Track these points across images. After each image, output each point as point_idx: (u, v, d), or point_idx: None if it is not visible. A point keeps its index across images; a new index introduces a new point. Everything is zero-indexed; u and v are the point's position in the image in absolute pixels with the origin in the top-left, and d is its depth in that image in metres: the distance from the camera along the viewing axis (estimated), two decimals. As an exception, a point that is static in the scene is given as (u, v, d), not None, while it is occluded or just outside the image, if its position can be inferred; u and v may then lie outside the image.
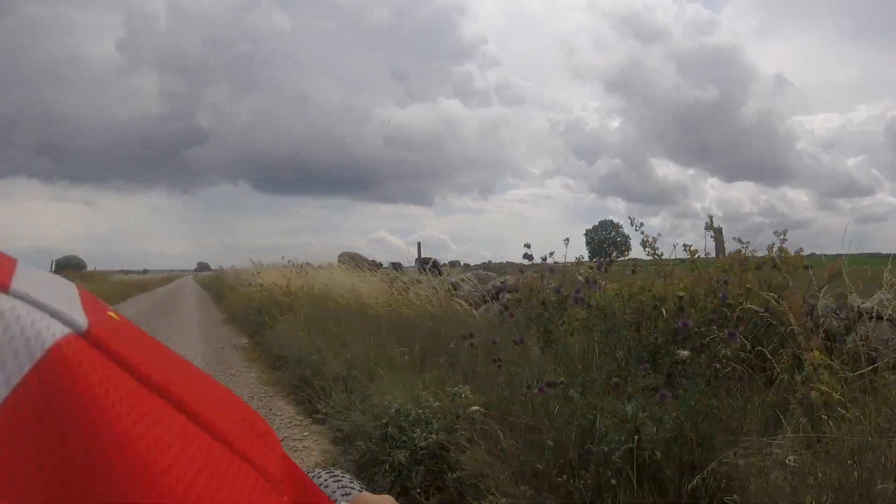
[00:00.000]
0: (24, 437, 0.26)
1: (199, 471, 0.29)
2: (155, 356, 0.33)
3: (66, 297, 0.31)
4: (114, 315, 0.34)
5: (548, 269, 3.60)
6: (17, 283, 0.28)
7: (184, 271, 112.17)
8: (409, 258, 11.66)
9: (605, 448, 2.48)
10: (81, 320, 0.29)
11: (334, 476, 0.88)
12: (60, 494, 0.26)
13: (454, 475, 3.01)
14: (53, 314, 0.28)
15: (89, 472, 0.26)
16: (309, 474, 0.80)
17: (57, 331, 0.28)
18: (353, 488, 0.77)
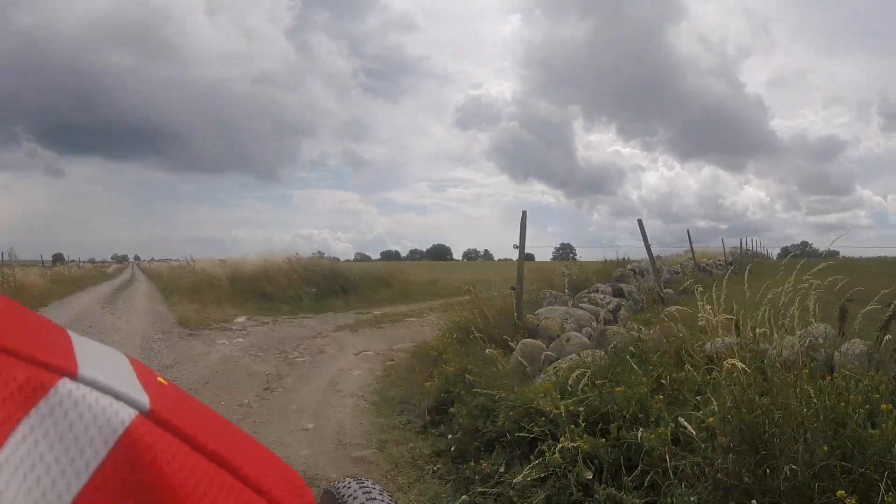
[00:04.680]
0: None
1: None
2: (203, 421, 0.34)
3: (123, 372, 0.33)
4: (162, 381, 0.35)
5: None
6: (82, 367, 0.29)
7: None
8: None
9: None
10: (143, 399, 0.30)
11: (364, 487, 0.88)
12: None
13: None
14: (119, 396, 0.29)
15: None
16: (339, 483, 0.94)
17: (125, 415, 0.29)
18: (382, 501, 0.76)
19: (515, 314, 6.98)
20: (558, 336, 6.43)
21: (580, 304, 8.84)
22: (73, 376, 0.29)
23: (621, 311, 9.84)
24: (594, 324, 7.02)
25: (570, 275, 12.48)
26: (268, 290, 13.77)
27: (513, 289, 7.32)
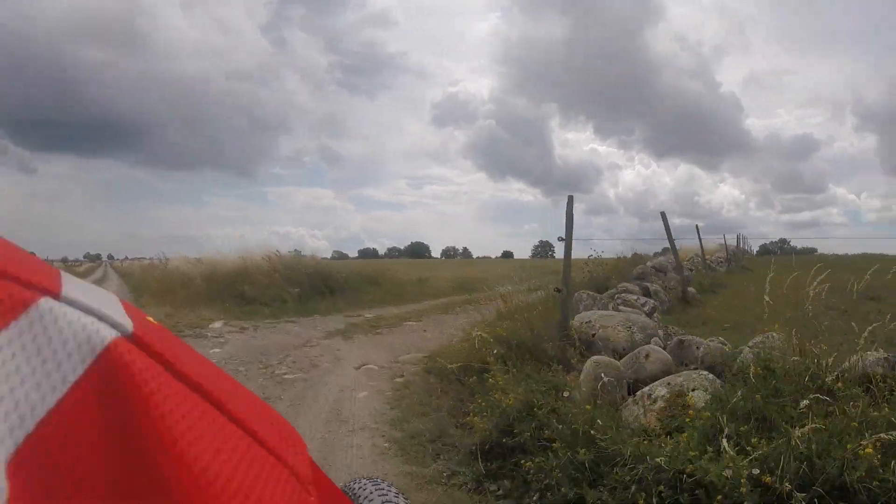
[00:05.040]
0: (83, 434, 0.27)
1: (238, 466, 0.32)
2: (189, 358, 0.34)
3: (109, 301, 0.33)
4: (151, 320, 0.36)
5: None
6: (66, 289, 0.30)
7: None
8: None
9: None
10: (127, 324, 0.31)
11: (379, 488, 0.86)
12: (117, 488, 0.28)
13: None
14: (102, 318, 0.30)
15: (142, 467, 0.28)
16: (353, 483, 0.91)
17: (106, 334, 0.29)
18: (397, 502, 0.73)
19: (562, 322, 5.62)
20: (625, 350, 5.09)
21: (620, 308, 7.54)
22: (56, 296, 0.29)
23: (655, 314, 8.64)
24: (660, 332, 5.68)
25: (591, 273, 11.24)
26: (247, 290, 12.23)
27: (558, 291, 5.96)
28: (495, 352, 5.01)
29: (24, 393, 0.26)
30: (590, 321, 5.73)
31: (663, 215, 11.13)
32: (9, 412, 0.26)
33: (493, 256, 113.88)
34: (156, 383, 0.30)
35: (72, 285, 0.31)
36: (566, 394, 3.97)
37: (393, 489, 0.85)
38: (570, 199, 6.06)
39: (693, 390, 3.93)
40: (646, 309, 8.40)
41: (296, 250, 16.87)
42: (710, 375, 4.10)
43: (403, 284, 17.90)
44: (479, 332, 5.69)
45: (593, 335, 5.44)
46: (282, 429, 0.38)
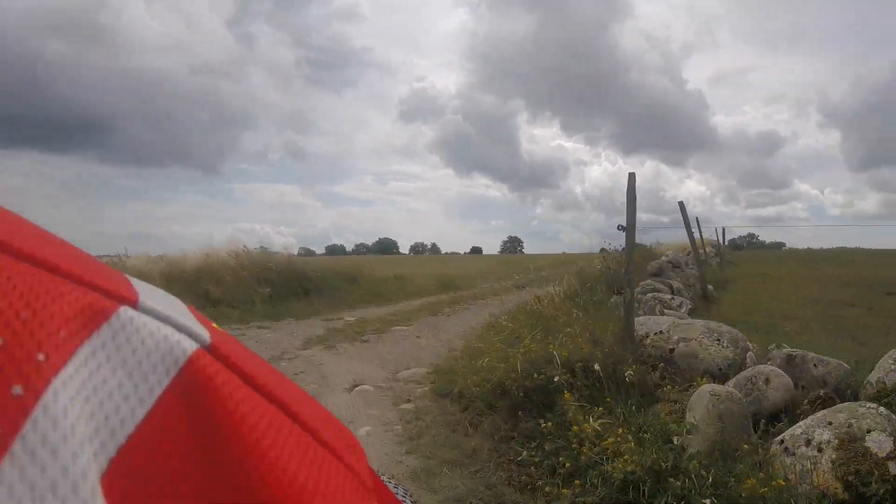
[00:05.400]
0: (172, 447, 0.27)
1: (319, 475, 0.32)
2: (260, 366, 0.34)
3: (181, 309, 0.32)
4: (216, 327, 0.35)
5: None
6: (143, 297, 0.29)
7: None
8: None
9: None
10: (204, 334, 0.30)
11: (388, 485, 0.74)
12: (208, 499, 0.27)
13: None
14: (180, 328, 0.29)
15: (232, 477, 0.28)
16: None
17: (187, 345, 0.29)
18: (396, 493, 0.60)
19: (627, 332, 4.37)
20: (722, 371, 3.86)
21: (665, 311, 6.35)
22: (135, 305, 0.28)
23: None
24: (744, 343, 4.47)
25: (609, 267, 10.08)
26: (212, 291, 10.73)
27: (618, 292, 4.72)
28: (556, 378, 3.72)
29: (114, 406, 0.26)
30: (661, 331, 4.49)
31: (681, 205, 10.01)
32: (100, 427, 0.25)
33: (462, 252, 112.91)
34: (238, 395, 0.29)
35: (146, 293, 0.30)
36: (678, 440, 2.74)
37: (401, 487, 0.72)
38: (632, 177, 4.80)
39: (868, 432, 2.75)
40: (683, 310, 7.24)
41: (262, 247, 15.41)
42: (883, 410, 2.91)
43: (382, 282, 16.51)
44: (524, 345, 4.38)
45: (671, 350, 4.20)
46: (345, 436, 0.38)
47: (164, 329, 0.28)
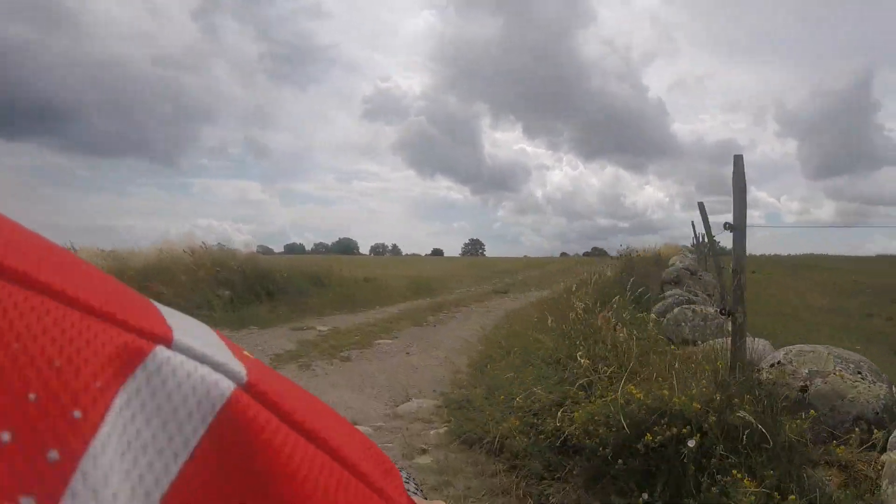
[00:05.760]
0: (210, 492, 0.26)
1: None
2: (296, 397, 0.32)
3: (215, 342, 0.31)
4: (248, 354, 0.33)
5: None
6: (177, 334, 0.27)
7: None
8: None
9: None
10: (241, 371, 0.29)
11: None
12: None
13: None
14: (216, 367, 0.28)
15: None
16: None
17: (224, 386, 0.27)
18: (408, 489, 0.52)
19: (738, 364, 3.19)
20: (878, 416, 2.71)
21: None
22: (169, 344, 0.26)
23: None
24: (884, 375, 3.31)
25: (622, 272, 8.97)
26: (164, 293, 9.20)
27: (723, 313, 3.55)
28: (690, 441, 2.50)
29: (148, 462, 0.24)
30: (779, 361, 3.32)
31: (701, 206, 8.94)
32: (135, 487, 0.24)
33: (424, 254, 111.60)
34: (279, 441, 0.28)
35: (180, 327, 0.28)
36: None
37: (403, 473, 0.57)
38: (739, 160, 3.63)
39: None
40: (730, 327, 6.15)
41: (220, 244, 13.64)
42: None
43: (351, 285, 15.14)
44: (625, 389, 3.16)
45: (803, 388, 3.03)
46: (381, 461, 0.36)
47: (201, 369, 0.27)
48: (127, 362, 0.25)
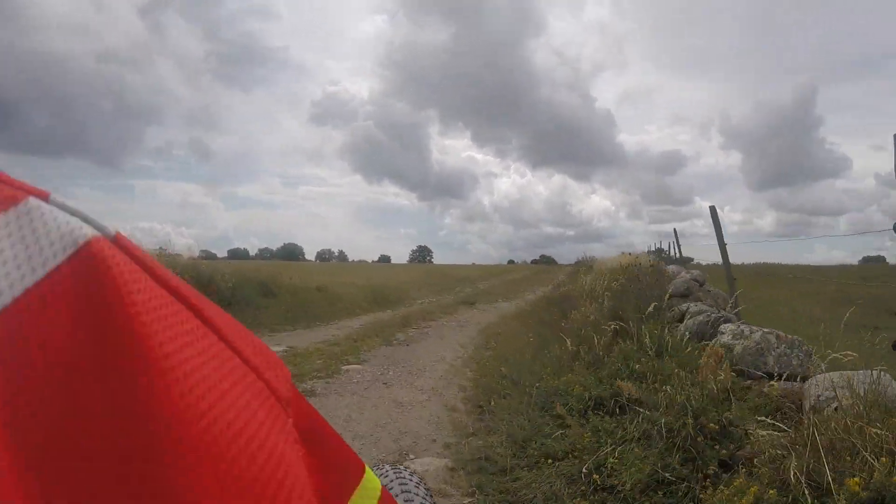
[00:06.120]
0: (55, 315, 0.28)
1: (216, 372, 0.31)
2: (180, 280, 0.34)
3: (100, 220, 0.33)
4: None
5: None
6: (54, 197, 0.30)
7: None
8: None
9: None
10: (111, 228, 0.31)
11: (401, 478, 0.84)
12: (80, 371, 0.28)
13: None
14: (87, 220, 0.31)
15: (112, 355, 0.28)
16: (375, 469, 0.83)
17: (89, 232, 0.30)
18: (418, 494, 0.71)
19: None
20: None
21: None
22: (45, 199, 0.30)
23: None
24: None
25: (623, 283, 7.87)
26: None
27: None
28: None
29: (5, 272, 0.27)
30: None
31: (713, 210, 7.94)
32: None
33: (371, 260, 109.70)
34: (135, 283, 0.29)
35: (62, 198, 0.31)
36: None
37: (414, 478, 0.77)
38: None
39: None
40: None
41: (161, 248, 12.44)
42: None
43: (304, 295, 13.63)
44: None
45: None
46: (262, 349, 0.37)
47: (70, 218, 0.30)
48: (2, 201, 0.29)
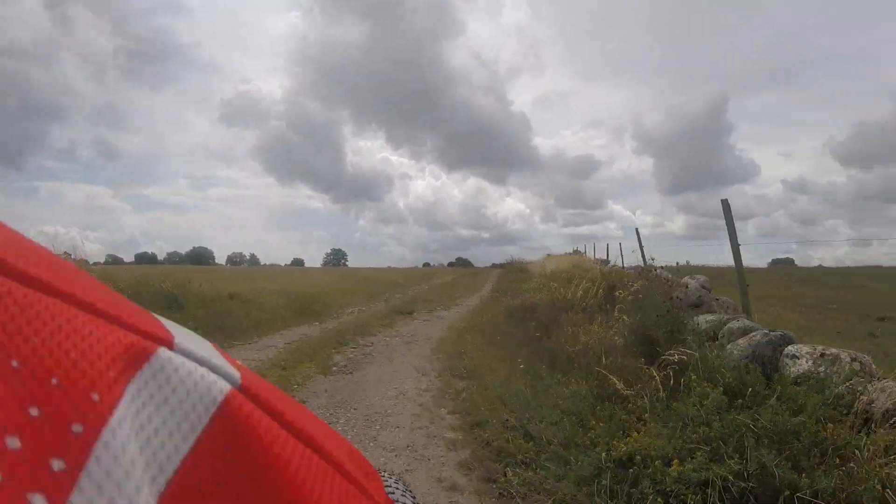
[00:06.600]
0: (213, 483, 0.28)
1: None
2: (287, 403, 0.35)
3: (211, 349, 0.33)
4: (239, 363, 0.35)
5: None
6: (178, 339, 0.30)
7: None
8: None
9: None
10: (236, 374, 0.31)
11: (386, 482, 0.70)
12: None
13: None
14: (214, 369, 0.30)
15: None
16: None
17: (222, 386, 0.30)
18: (406, 502, 0.65)
19: None
20: None
21: None
22: (171, 346, 0.29)
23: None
24: None
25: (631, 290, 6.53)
26: None
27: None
28: None
29: (160, 442, 0.27)
30: None
31: (725, 203, 6.71)
32: (149, 462, 0.26)
33: (283, 264, 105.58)
34: (271, 434, 0.30)
35: (179, 333, 0.31)
36: None
37: (401, 486, 0.69)
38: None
39: None
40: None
41: (66, 253, 11.11)
42: None
43: (216, 305, 11.54)
44: None
45: None
46: (363, 464, 0.38)
47: (200, 370, 0.29)
48: (135, 358, 0.27)
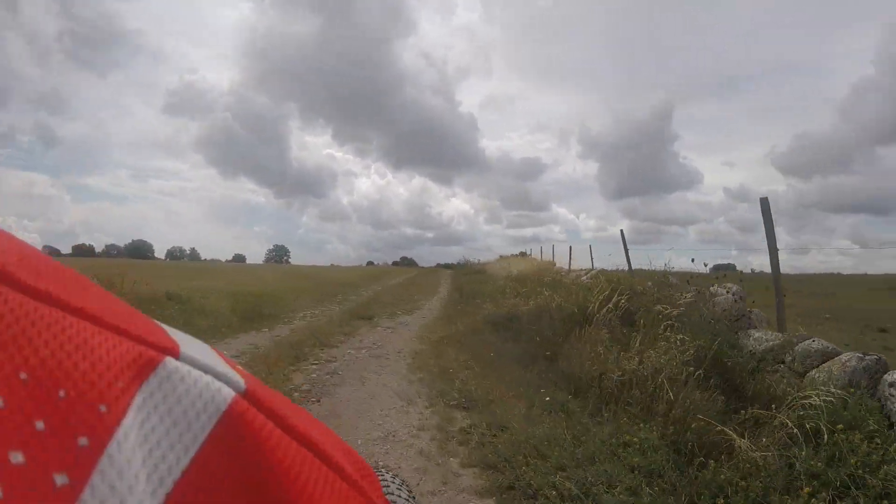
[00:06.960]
0: (216, 491, 0.28)
1: None
2: (290, 408, 0.35)
3: (215, 357, 0.33)
4: (242, 369, 0.35)
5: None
6: (183, 348, 0.30)
7: None
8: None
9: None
10: (240, 381, 0.31)
11: (382, 479, 0.72)
12: None
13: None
14: (218, 377, 0.30)
15: None
16: None
17: (226, 393, 0.30)
18: (400, 496, 0.65)
19: None
20: None
21: None
22: (176, 356, 0.30)
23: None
24: None
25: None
26: None
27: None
28: None
29: (162, 453, 0.27)
30: None
31: (764, 202, 5.76)
32: (150, 473, 0.26)
33: (224, 259, 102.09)
34: (273, 442, 0.30)
35: (184, 342, 0.31)
36: None
37: (396, 480, 0.71)
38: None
39: None
40: None
41: (46, 246, 8.75)
42: None
43: (152, 306, 10.04)
44: None
45: None
46: (362, 467, 0.38)
47: (205, 377, 0.30)
48: (142, 369, 0.28)
